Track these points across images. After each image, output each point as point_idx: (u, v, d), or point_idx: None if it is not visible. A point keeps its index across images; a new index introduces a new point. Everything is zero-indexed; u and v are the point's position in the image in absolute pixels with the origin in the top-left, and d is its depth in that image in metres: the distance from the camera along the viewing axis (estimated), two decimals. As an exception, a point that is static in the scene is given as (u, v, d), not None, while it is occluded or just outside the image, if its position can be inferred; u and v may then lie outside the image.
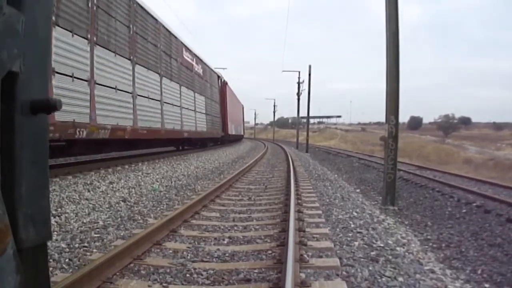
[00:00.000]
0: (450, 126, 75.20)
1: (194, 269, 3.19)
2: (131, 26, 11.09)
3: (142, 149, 14.68)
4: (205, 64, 21.63)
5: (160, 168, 10.83)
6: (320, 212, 5.55)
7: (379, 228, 4.97)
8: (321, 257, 3.47)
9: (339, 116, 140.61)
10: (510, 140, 51.24)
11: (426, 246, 5.50)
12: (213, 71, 24.37)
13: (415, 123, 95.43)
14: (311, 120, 56.71)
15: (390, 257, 3.67)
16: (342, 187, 9.17)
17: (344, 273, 3.13)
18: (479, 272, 4.70)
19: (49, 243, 3.33)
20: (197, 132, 18.88)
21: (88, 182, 7.33)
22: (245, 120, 56.35)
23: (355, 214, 5.66)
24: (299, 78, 34.52)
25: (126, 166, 10.54)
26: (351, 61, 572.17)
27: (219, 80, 27.07)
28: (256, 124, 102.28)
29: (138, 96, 11.39)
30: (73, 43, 7.92)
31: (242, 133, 45.90)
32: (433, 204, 8.73)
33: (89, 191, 6.61)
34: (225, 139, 29.57)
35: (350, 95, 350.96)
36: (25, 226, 0.72)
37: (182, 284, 2.93)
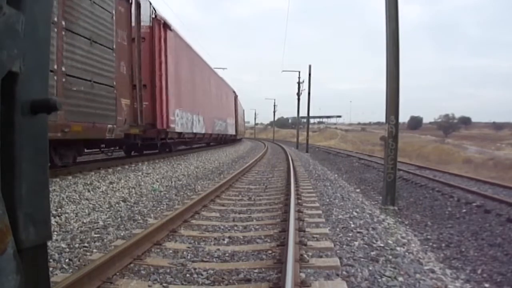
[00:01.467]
0: (450, 126, 75.42)
1: (194, 269, 3.19)
2: None
3: None
4: None
5: (160, 168, 10.83)
6: (320, 212, 5.55)
7: (379, 228, 4.97)
8: (321, 257, 3.47)
9: (339, 116, 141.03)
10: (510, 140, 51.29)
11: (426, 246, 5.51)
12: None
13: (415, 123, 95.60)
14: (311, 120, 56.23)
15: (390, 257, 3.67)
16: (342, 187, 9.17)
17: (344, 273, 3.13)
18: (479, 272, 4.70)
19: (49, 243, 3.33)
20: None
21: (88, 182, 7.32)
22: (243, 118, 47.90)
23: (355, 214, 5.66)
24: (299, 78, 34.53)
25: (126, 166, 10.54)
26: (351, 61, 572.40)
27: (133, 5, 10.80)
28: (256, 124, 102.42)
29: None
30: None
31: (233, 132, 32.28)
32: (433, 204, 8.73)
33: (89, 191, 6.60)
34: (161, 143, 14.06)
35: (350, 95, 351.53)
36: (25, 226, 0.72)
37: (182, 284, 2.93)
